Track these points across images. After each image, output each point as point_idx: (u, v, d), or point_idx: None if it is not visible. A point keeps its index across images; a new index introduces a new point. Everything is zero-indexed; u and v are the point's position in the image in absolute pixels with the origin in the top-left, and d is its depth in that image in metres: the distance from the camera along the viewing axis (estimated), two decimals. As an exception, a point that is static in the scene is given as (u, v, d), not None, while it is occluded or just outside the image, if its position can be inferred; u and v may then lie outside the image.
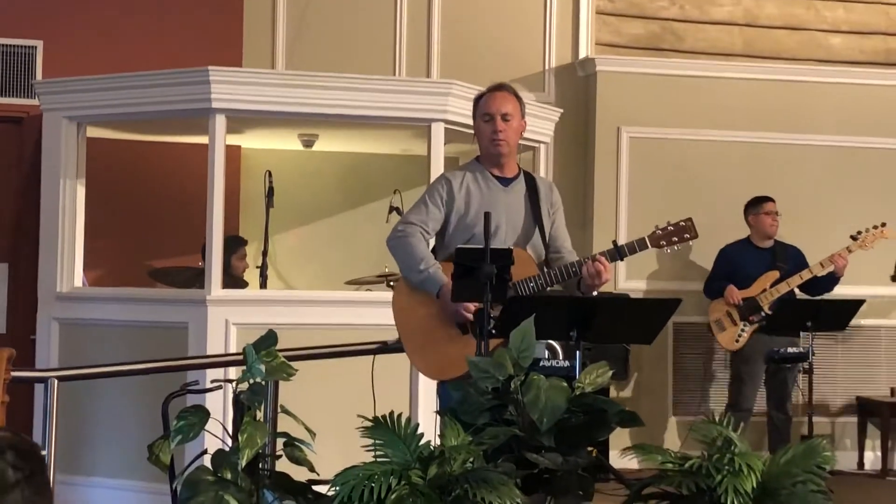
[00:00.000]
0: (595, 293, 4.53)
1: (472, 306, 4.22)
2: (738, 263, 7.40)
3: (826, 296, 7.31)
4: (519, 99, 4.62)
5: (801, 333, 7.14)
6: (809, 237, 7.63)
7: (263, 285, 6.98)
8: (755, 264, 7.37)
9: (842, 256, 7.20)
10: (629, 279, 7.81)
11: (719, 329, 7.35)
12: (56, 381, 4.36)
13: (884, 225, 7.25)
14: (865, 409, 8.02)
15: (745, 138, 8.06)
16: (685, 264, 7.74)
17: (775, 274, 7.30)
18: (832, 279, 7.27)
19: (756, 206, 7.49)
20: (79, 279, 6.44)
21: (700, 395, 7.93)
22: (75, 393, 5.72)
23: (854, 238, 7.27)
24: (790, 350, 7.04)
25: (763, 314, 7.21)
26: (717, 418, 3.41)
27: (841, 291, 7.42)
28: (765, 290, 7.26)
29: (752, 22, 8.49)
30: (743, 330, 7.27)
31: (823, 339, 7.52)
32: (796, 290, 7.30)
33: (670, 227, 4.51)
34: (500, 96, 4.57)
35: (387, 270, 6.82)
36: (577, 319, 4.04)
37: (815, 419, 6.86)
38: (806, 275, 7.24)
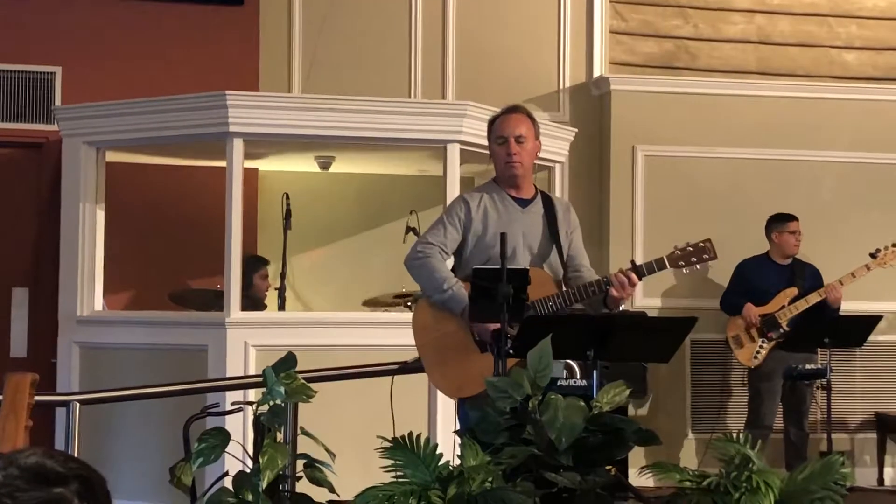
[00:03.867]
0: (621, 307, 4.54)
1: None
2: (756, 279, 7.36)
3: (844, 312, 7.29)
4: (533, 120, 4.63)
5: (818, 349, 7.13)
6: (826, 254, 7.61)
7: (282, 307, 7.02)
8: (774, 280, 7.33)
9: (834, 289, 7.17)
10: (646, 297, 7.79)
11: (737, 345, 7.31)
12: (78, 405, 4.40)
13: None
14: (884, 425, 7.97)
15: (760, 155, 8.05)
16: (701, 281, 7.71)
17: (794, 291, 7.25)
18: (831, 308, 7.25)
19: (781, 223, 7.43)
20: (99, 303, 6.48)
21: (718, 413, 7.90)
22: (96, 416, 5.76)
23: (873, 256, 7.24)
24: (808, 367, 7.02)
25: (781, 331, 7.18)
26: (735, 436, 3.43)
27: (859, 307, 7.39)
28: (783, 307, 7.23)
29: (766, 39, 8.49)
30: (761, 347, 7.23)
31: (841, 355, 7.48)
32: None
33: (689, 248, 4.50)
34: (513, 118, 4.59)
35: (404, 290, 6.84)
36: (594, 338, 4.06)
37: (833, 436, 6.82)
38: (813, 298, 7.22)
